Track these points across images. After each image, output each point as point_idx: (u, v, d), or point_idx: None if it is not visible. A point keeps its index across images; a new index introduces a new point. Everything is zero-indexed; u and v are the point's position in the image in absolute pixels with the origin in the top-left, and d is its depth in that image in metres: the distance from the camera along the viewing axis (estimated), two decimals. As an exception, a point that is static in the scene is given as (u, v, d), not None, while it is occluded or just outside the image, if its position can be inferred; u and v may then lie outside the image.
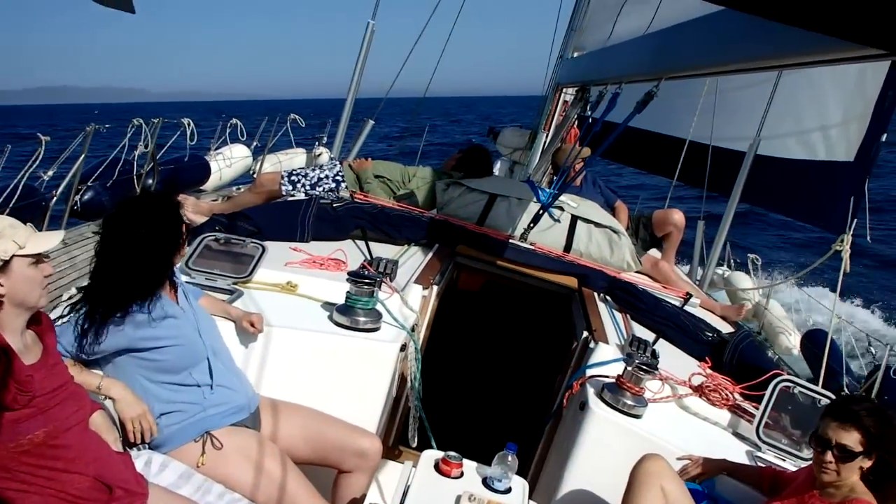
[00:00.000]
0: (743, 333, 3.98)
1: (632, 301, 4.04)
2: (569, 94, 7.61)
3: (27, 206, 5.17)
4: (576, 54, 7.71)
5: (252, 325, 2.84)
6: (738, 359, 3.65)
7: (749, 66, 2.56)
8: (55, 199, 5.48)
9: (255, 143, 8.61)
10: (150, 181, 6.27)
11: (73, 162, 5.56)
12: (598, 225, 4.71)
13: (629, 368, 2.90)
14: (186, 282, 2.86)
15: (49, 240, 1.98)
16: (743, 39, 2.45)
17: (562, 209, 4.70)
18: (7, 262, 1.85)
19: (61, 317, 2.41)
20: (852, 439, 2.23)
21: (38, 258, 1.93)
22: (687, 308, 4.30)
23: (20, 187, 5.05)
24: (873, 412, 2.26)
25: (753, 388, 3.22)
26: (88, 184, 5.81)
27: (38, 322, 2.02)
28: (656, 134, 8.64)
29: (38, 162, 5.17)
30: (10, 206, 5.02)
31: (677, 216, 5.46)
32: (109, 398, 2.31)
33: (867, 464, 2.24)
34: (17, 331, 1.91)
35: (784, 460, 2.93)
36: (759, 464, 2.87)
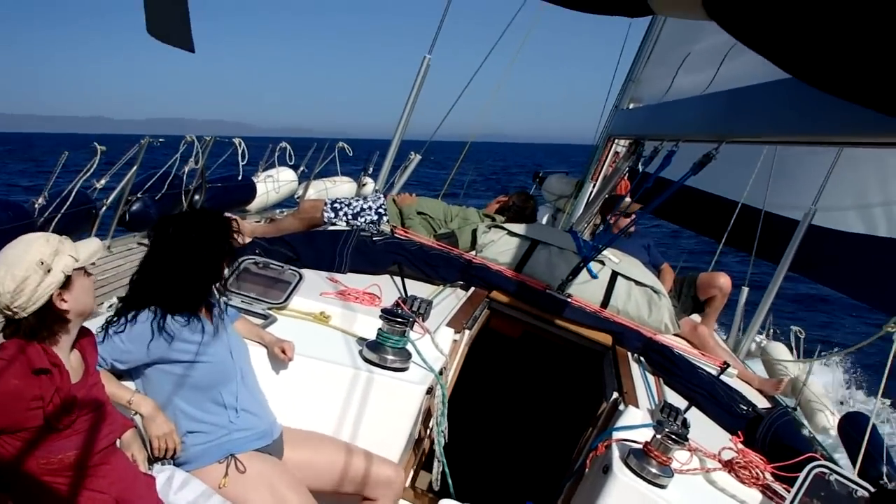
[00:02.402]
0: (780, 411, 3.83)
1: (666, 365, 3.93)
2: (621, 145, 7.54)
3: (78, 213, 5.30)
4: (631, 106, 7.66)
5: (284, 352, 2.83)
6: (773, 436, 3.51)
7: (822, 140, 2.43)
8: (105, 207, 5.61)
9: (301, 169, 8.71)
10: (198, 198, 6.37)
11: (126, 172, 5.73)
12: (638, 283, 4.62)
13: (658, 436, 2.80)
14: (224, 302, 2.87)
15: (95, 247, 2.03)
16: (820, 111, 2.32)
17: (602, 263, 4.63)
18: (69, 278, 1.89)
19: (107, 324, 2.41)
20: None
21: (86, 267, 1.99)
22: (723, 378, 4.16)
23: (73, 193, 5.17)
24: None
25: (786, 470, 3.08)
26: (138, 195, 5.92)
27: (85, 335, 2.06)
28: (706, 193, 8.49)
29: (91, 171, 5.30)
30: (63, 211, 5.14)
31: (723, 280, 5.33)
32: (139, 414, 2.33)
33: None
34: (68, 346, 1.95)
35: (812, 550, 2.79)
36: None
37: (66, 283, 1.88)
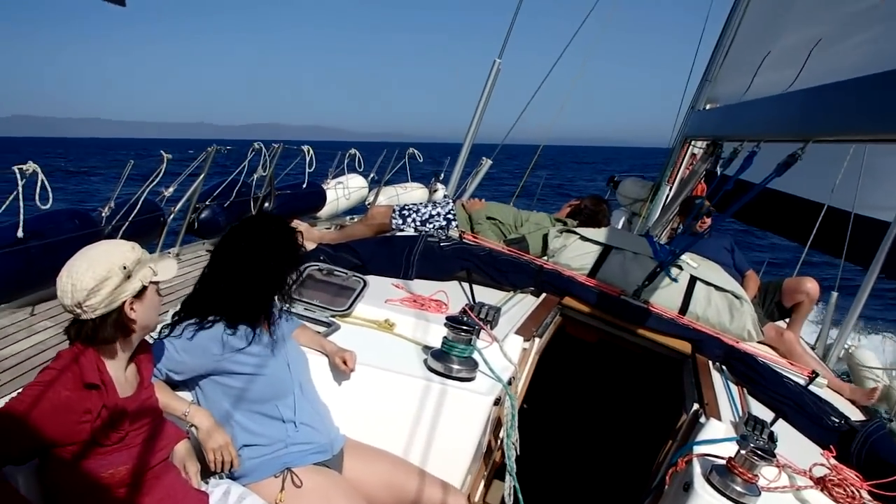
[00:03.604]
0: (876, 423, 3.57)
1: (750, 374, 3.71)
2: (697, 147, 7.30)
3: (146, 220, 5.38)
4: (708, 106, 7.41)
5: (345, 362, 2.74)
6: (869, 451, 3.26)
7: None
8: (173, 215, 5.69)
9: (372, 175, 8.72)
10: (267, 205, 6.41)
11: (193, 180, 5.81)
12: (718, 288, 4.40)
13: (742, 452, 2.61)
14: (285, 310, 2.81)
15: (174, 267, 2.05)
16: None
17: (680, 268, 4.43)
18: (144, 289, 1.90)
19: (163, 333, 2.39)
20: None
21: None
22: (812, 388, 3.92)
23: (141, 202, 5.25)
24: None
25: (885, 488, 2.85)
26: (206, 203, 5.99)
27: (143, 349, 2.05)
28: (791, 196, 8.14)
29: (159, 178, 5.39)
30: (131, 219, 5.22)
31: (810, 285, 5.08)
32: (193, 426, 2.28)
33: None
34: (125, 359, 1.94)
35: (917, 577, 2.57)
36: None
37: (140, 294, 1.89)
